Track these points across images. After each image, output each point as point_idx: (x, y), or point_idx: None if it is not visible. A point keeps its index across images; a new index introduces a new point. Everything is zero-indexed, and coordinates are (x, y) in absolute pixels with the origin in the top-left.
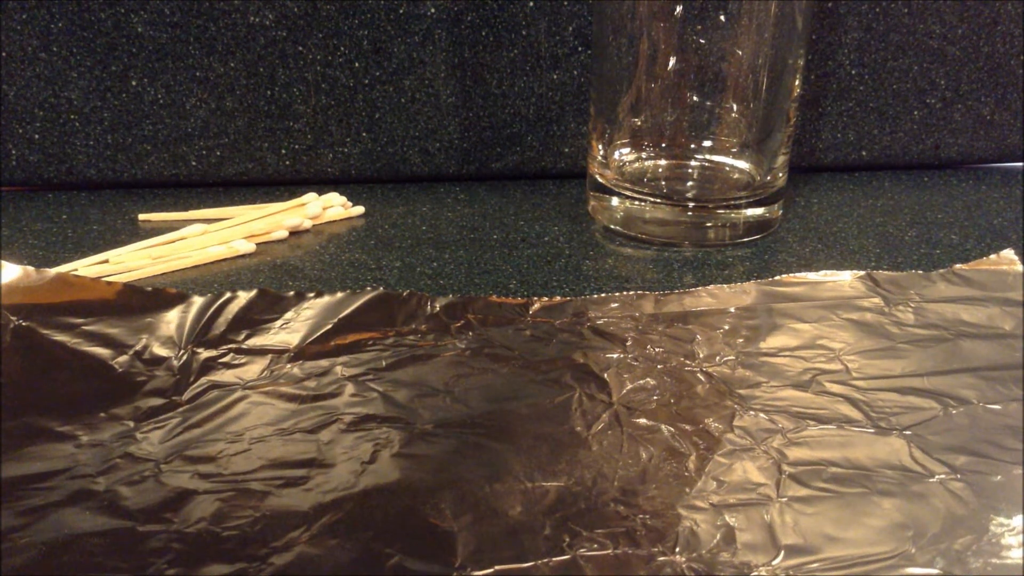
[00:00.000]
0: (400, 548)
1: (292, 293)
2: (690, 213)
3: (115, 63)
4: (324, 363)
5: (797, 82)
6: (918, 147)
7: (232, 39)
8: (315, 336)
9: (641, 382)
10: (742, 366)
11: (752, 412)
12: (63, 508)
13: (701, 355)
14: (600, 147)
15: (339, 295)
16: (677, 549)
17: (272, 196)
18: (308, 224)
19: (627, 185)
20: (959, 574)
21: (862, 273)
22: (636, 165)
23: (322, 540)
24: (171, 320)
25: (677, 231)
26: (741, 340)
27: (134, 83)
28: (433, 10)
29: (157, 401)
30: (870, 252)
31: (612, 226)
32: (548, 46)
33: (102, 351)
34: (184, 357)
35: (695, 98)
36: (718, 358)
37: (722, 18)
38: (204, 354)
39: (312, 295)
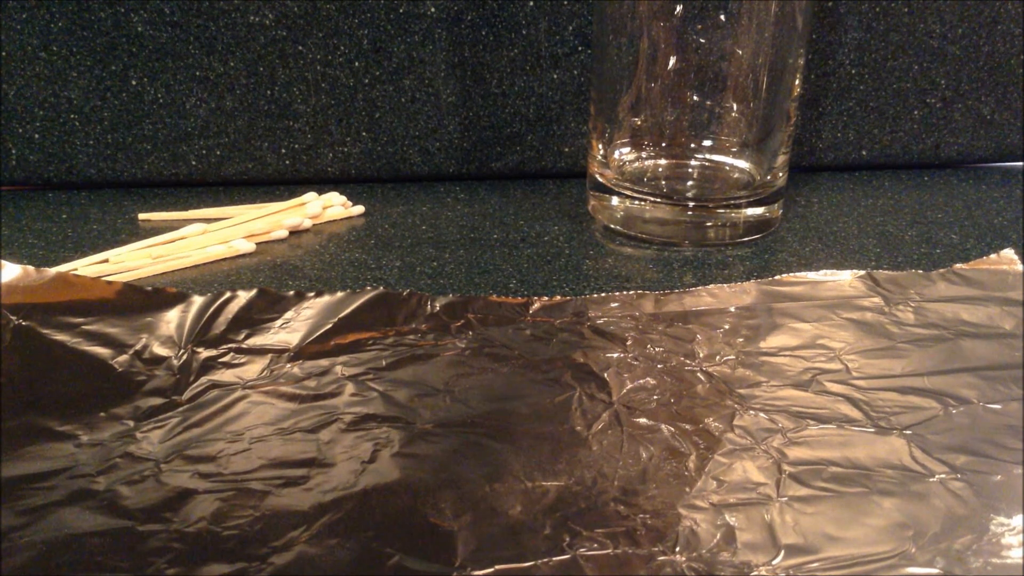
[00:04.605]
0: (400, 548)
1: (292, 293)
2: (690, 213)
3: (115, 63)
4: (324, 363)
5: (797, 81)
6: (918, 146)
7: (232, 39)
8: (315, 336)
9: (641, 382)
10: (742, 365)
11: (752, 411)
12: (63, 508)
13: (701, 354)
14: (600, 147)
15: (339, 295)
16: (677, 549)
17: (272, 196)
18: (308, 224)
19: (627, 185)
20: (959, 574)
21: (862, 273)
22: (636, 165)
23: (322, 540)
24: (171, 320)
25: (677, 231)
26: (741, 339)
27: (134, 83)
28: (433, 10)
29: (157, 401)
30: (870, 252)
31: (612, 226)
32: (548, 46)
33: (102, 351)
34: (184, 357)
35: (695, 98)
36: (718, 357)
37: (722, 18)
38: (204, 354)
39: (312, 295)
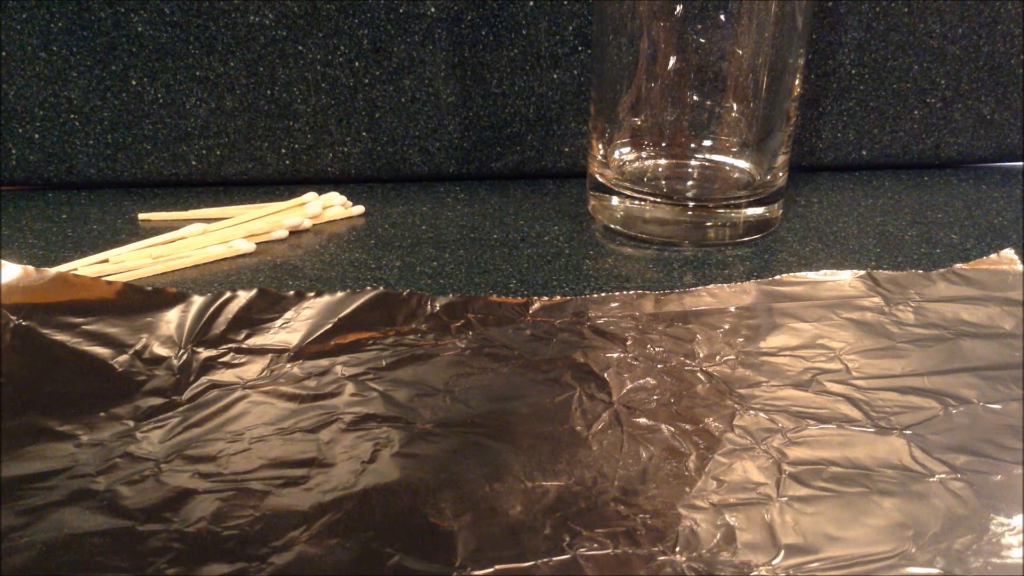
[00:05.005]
0: (400, 548)
1: (292, 293)
2: (690, 213)
3: (115, 63)
4: (324, 362)
5: (797, 81)
6: (918, 146)
7: (232, 39)
8: (315, 335)
9: (641, 381)
10: (742, 365)
11: (752, 411)
12: (63, 508)
13: (701, 354)
14: (600, 146)
15: (339, 295)
16: (677, 549)
17: (272, 196)
18: (308, 224)
19: (627, 184)
20: (959, 574)
21: (862, 272)
22: (636, 164)
23: (322, 540)
24: (171, 320)
25: (677, 231)
26: (741, 339)
27: (134, 83)
28: (433, 10)
29: (157, 401)
30: (870, 251)
31: (612, 225)
32: (548, 46)
33: (102, 351)
34: (184, 356)
35: (695, 97)
36: (718, 357)
37: (722, 17)
38: (204, 353)
39: (312, 294)
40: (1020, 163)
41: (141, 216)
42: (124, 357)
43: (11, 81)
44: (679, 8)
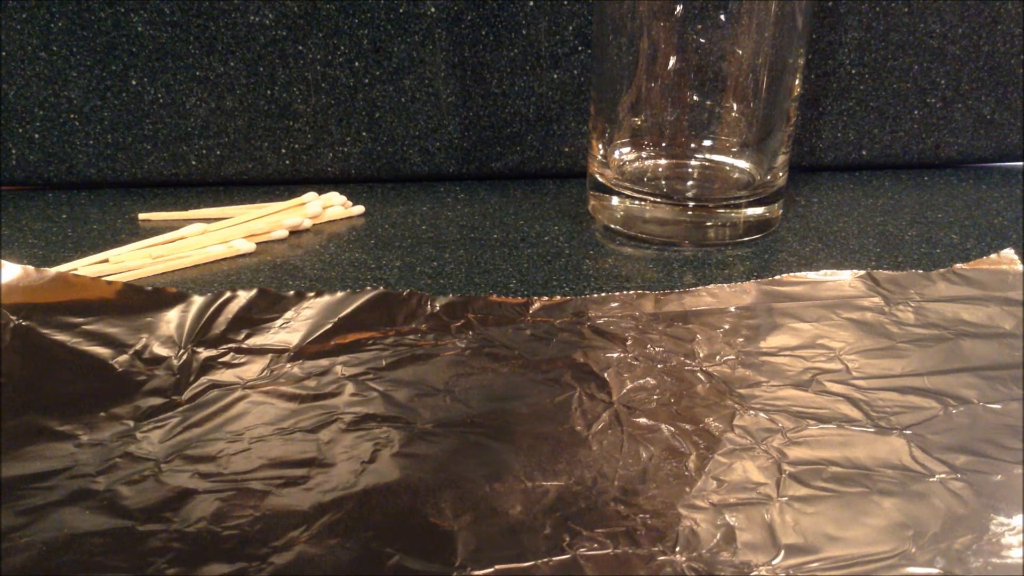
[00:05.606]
0: (400, 548)
1: (292, 293)
2: (690, 212)
3: (115, 63)
4: (324, 362)
5: (797, 81)
6: (918, 146)
7: (232, 39)
8: (315, 335)
9: (641, 381)
10: (742, 365)
11: (752, 411)
12: (63, 508)
13: (701, 354)
14: (600, 146)
15: (339, 294)
16: (677, 548)
17: (272, 196)
18: (308, 223)
19: (627, 184)
20: (959, 574)
21: (862, 272)
22: (636, 164)
23: (322, 540)
24: (171, 319)
25: (677, 231)
26: (741, 339)
27: (134, 83)
28: (433, 9)
29: (157, 401)
30: (870, 251)
31: (612, 225)
32: (548, 46)
33: (102, 351)
34: (184, 356)
35: (695, 97)
36: (718, 357)
37: (722, 17)
38: (204, 353)
39: (312, 294)
40: (1020, 163)
41: (141, 216)
42: (124, 357)
43: (11, 81)
44: (679, 8)
